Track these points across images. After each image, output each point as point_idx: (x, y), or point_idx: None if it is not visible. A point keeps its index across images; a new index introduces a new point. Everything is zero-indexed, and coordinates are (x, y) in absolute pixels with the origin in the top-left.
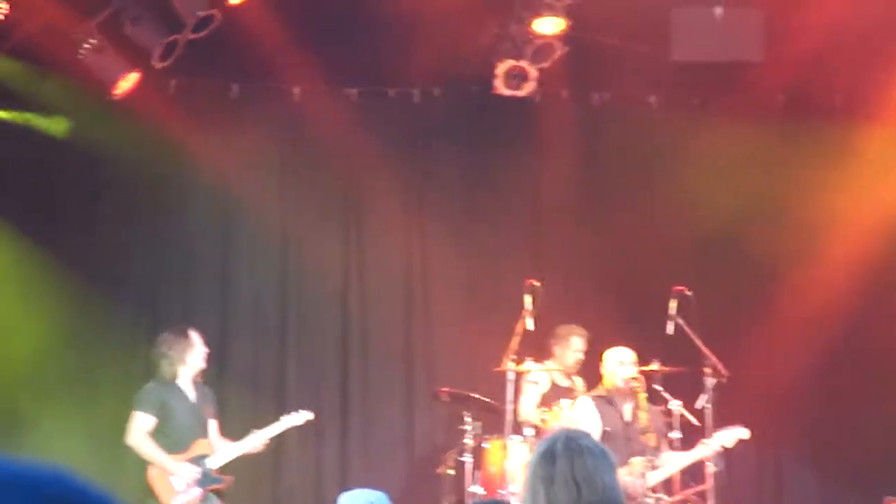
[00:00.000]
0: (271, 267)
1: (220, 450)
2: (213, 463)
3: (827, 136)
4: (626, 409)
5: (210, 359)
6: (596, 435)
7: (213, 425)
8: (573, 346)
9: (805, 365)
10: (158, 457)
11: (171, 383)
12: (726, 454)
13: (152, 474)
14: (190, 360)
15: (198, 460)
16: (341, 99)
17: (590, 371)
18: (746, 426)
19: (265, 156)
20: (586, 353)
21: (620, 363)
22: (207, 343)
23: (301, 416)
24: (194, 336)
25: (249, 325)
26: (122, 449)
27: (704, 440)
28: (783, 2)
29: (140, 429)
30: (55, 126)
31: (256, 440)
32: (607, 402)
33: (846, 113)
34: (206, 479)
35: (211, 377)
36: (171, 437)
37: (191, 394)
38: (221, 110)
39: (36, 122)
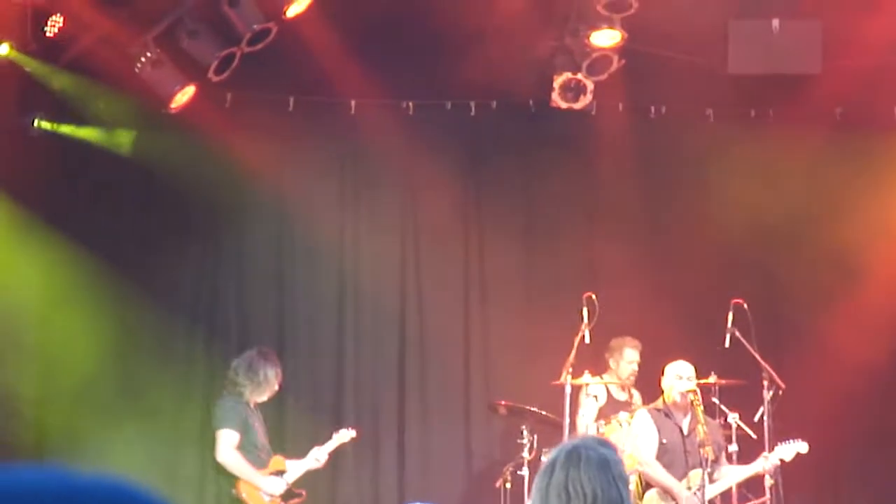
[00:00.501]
0: (328, 280)
1: (289, 466)
2: (289, 478)
3: (884, 149)
4: (685, 423)
5: None
6: (654, 447)
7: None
8: (627, 358)
9: (864, 377)
10: (249, 472)
11: (244, 402)
12: (784, 467)
13: (243, 489)
14: (267, 392)
15: (279, 475)
16: (398, 112)
17: (650, 384)
18: (804, 439)
19: (322, 169)
20: (646, 367)
21: (679, 377)
22: None
23: (348, 434)
24: (278, 373)
25: (306, 337)
26: (179, 462)
27: (764, 454)
28: (841, 15)
29: (229, 445)
30: (119, 140)
31: (319, 455)
32: (665, 415)
33: None
34: (287, 494)
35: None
36: (252, 454)
37: (258, 414)
38: (278, 123)
39: (98, 138)
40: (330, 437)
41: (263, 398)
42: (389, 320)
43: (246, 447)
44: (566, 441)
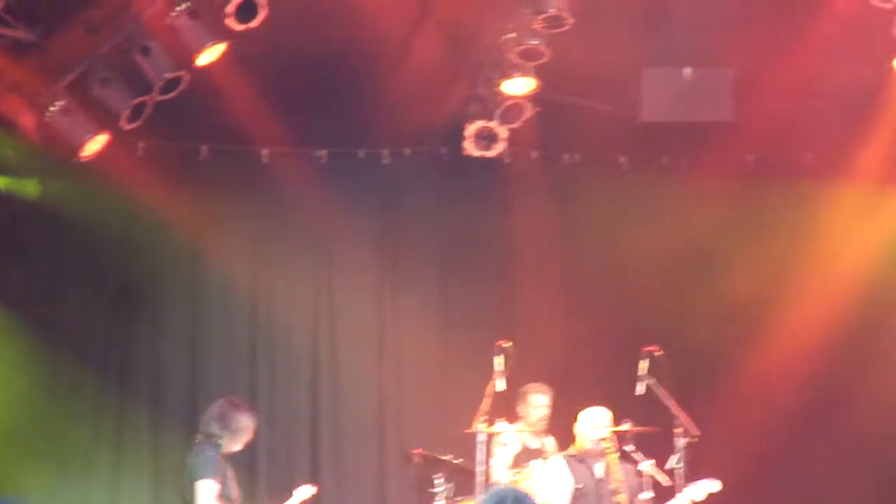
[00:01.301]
0: (241, 331)
1: None
2: None
3: (796, 195)
4: (599, 468)
5: (178, 424)
6: (568, 493)
7: None
8: (533, 403)
9: (777, 423)
10: None
11: (218, 452)
12: None
13: None
14: (243, 440)
15: None
16: (310, 160)
17: (567, 431)
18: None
19: (235, 217)
20: (562, 414)
21: (593, 426)
22: (175, 407)
23: (309, 490)
24: (252, 418)
25: (218, 390)
26: None
27: (678, 495)
28: (753, 62)
29: (211, 496)
30: (26, 188)
31: None
32: (579, 461)
33: (817, 172)
34: None
35: (180, 443)
36: None
37: (230, 464)
38: (190, 172)
39: (6, 185)
40: (290, 494)
41: (238, 447)
42: (303, 370)
43: (221, 499)
44: (504, 489)
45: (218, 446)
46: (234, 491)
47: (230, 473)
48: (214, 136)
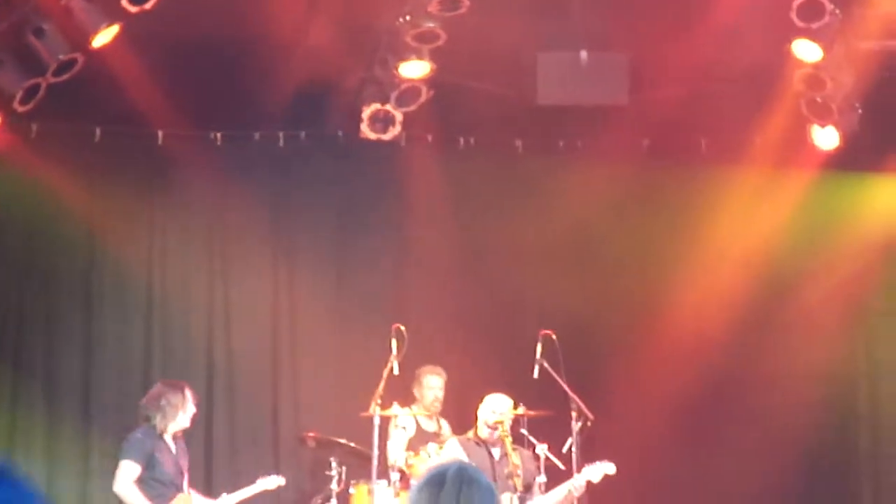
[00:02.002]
0: (136, 315)
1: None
2: None
3: (690, 180)
4: (496, 452)
5: (74, 409)
6: None
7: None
8: (427, 385)
9: (671, 408)
10: None
11: (156, 434)
12: (593, 498)
13: None
14: (181, 418)
15: None
16: (205, 142)
17: (462, 415)
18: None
19: (129, 200)
20: (456, 398)
21: (492, 411)
22: (69, 390)
23: (276, 480)
24: (189, 396)
25: (114, 374)
26: None
27: (576, 475)
28: (648, 47)
29: (127, 477)
30: None
31: (229, 500)
32: (476, 444)
33: (711, 156)
34: None
35: (73, 428)
36: (155, 490)
37: (173, 447)
38: (85, 154)
39: None
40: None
41: (181, 424)
42: (197, 352)
43: (147, 481)
44: (448, 462)
45: (152, 427)
46: (172, 470)
47: (167, 457)
48: (109, 119)
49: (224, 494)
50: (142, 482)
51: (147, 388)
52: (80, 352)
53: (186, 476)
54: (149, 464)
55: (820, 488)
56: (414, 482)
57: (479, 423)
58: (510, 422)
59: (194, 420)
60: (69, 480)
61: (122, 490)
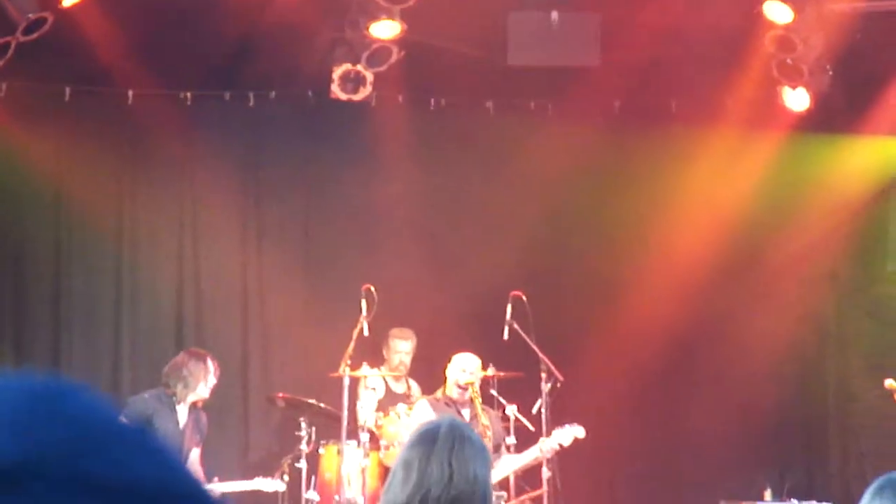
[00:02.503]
0: (106, 273)
1: None
2: None
3: (661, 141)
4: (466, 413)
5: (44, 366)
6: None
7: (194, 453)
8: (394, 348)
9: (640, 371)
10: None
11: (167, 401)
12: (561, 460)
13: None
14: (201, 389)
15: None
16: (175, 102)
17: (432, 375)
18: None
19: (100, 160)
20: (426, 358)
21: (462, 370)
22: (38, 349)
23: (273, 484)
24: (212, 366)
25: (84, 333)
26: None
27: (543, 439)
28: (619, 7)
29: None
30: None
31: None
32: (445, 405)
33: (682, 117)
34: None
35: None
36: None
37: (182, 418)
38: (55, 114)
39: None
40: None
41: (201, 394)
42: (166, 312)
43: None
44: (440, 417)
45: (167, 394)
46: (169, 439)
47: (184, 424)
48: (79, 78)
49: (216, 479)
50: None
51: (116, 346)
52: (49, 311)
53: (192, 448)
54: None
55: (788, 451)
56: (384, 442)
57: (449, 383)
58: (479, 382)
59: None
60: None
61: None
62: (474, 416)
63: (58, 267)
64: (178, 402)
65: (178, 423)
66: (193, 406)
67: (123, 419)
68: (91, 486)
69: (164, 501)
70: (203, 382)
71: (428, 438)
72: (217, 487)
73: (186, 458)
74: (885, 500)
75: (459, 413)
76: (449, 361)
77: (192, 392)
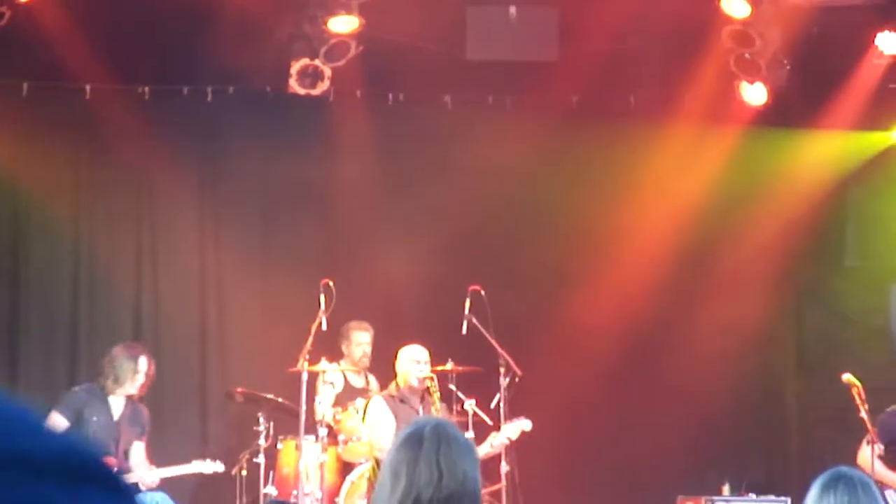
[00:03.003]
0: (63, 269)
1: (133, 472)
2: None
3: (620, 136)
4: (421, 408)
5: (1, 366)
6: (391, 434)
7: (137, 447)
8: (356, 341)
9: (599, 366)
10: None
11: (99, 393)
12: (520, 456)
13: None
14: (128, 385)
15: None
16: (134, 97)
17: (388, 370)
18: (540, 424)
19: (57, 155)
20: (385, 353)
21: (416, 362)
22: None
23: (211, 466)
24: (143, 363)
25: (41, 328)
26: None
27: (493, 433)
28: (577, 1)
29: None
30: None
31: (154, 475)
32: (400, 401)
33: (640, 112)
34: None
35: (4, 382)
36: None
37: (117, 410)
38: (11, 109)
39: None
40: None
41: (129, 390)
42: (124, 308)
43: None
44: (425, 418)
45: (98, 386)
46: (102, 431)
47: (118, 417)
48: (36, 73)
49: (153, 468)
50: None
51: (73, 343)
52: (6, 307)
53: (132, 441)
54: (77, 420)
55: (747, 446)
56: (342, 437)
57: (401, 377)
58: (437, 376)
59: (150, 384)
60: None
61: None
62: (429, 410)
63: (15, 263)
64: (109, 395)
65: (111, 415)
66: (130, 399)
67: (57, 412)
68: None
69: (53, 470)
70: (131, 380)
71: (413, 441)
72: (156, 473)
73: (126, 449)
74: (839, 494)
75: (414, 408)
76: (395, 356)
77: (120, 387)
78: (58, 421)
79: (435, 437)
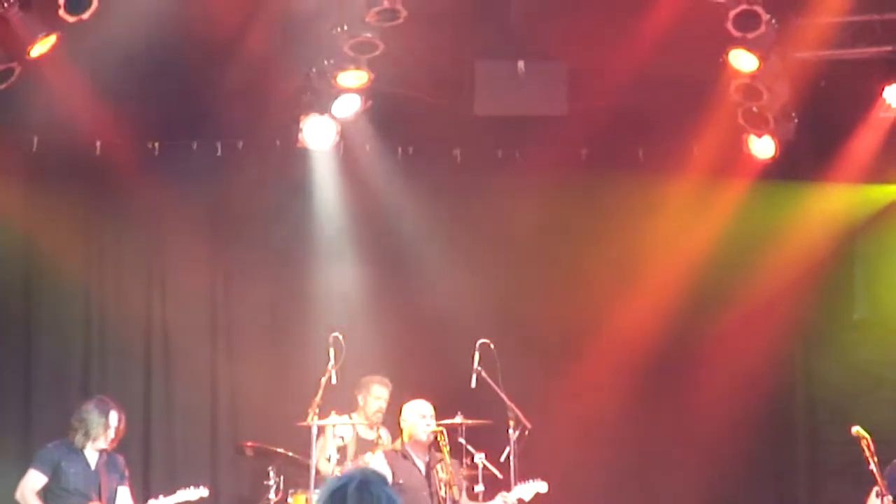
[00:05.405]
0: (74, 323)
1: None
2: None
3: (629, 189)
4: (421, 465)
5: (14, 416)
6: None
7: (122, 492)
8: (374, 394)
9: (609, 419)
10: None
11: (71, 447)
12: None
13: None
14: (101, 440)
15: None
16: (143, 152)
17: (399, 424)
18: (550, 478)
19: (68, 210)
20: (395, 407)
21: (422, 416)
22: (7, 401)
23: (198, 492)
24: (113, 419)
25: (53, 382)
26: None
27: (503, 493)
28: (585, 56)
29: (28, 486)
30: None
31: None
32: (403, 457)
33: (649, 165)
34: None
35: (18, 432)
36: (62, 499)
37: (93, 461)
38: (23, 163)
39: None
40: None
41: (97, 444)
42: (135, 362)
43: (54, 490)
44: (352, 471)
45: (72, 441)
46: (82, 483)
47: (96, 468)
48: (47, 128)
49: (150, 500)
50: (49, 492)
51: (84, 394)
52: (19, 361)
53: (115, 488)
54: (55, 474)
55: (758, 497)
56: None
57: (407, 432)
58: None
59: (121, 438)
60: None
61: (20, 497)
62: (431, 468)
63: (27, 315)
64: (82, 449)
65: (88, 465)
66: (103, 450)
67: (35, 469)
68: None
69: None
70: (104, 435)
71: (337, 500)
72: None
73: (110, 496)
74: None
75: (415, 464)
76: (400, 411)
77: (91, 441)
78: (35, 478)
79: (358, 496)
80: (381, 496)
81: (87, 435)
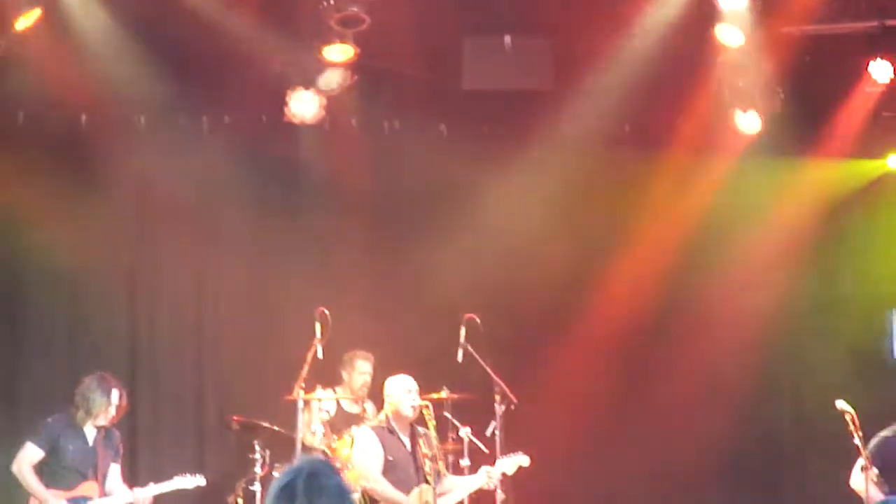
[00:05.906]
0: (60, 295)
1: (113, 495)
2: None
3: (617, 165)
4: (406, 441)
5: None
6: (379, 464)
7: (113, 470)
8: (358, 369)
9: (595, 394)
10: (36, 488)
11: (71, 423)
12: (516, 484)
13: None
14: (100, 417)
15: (79, 501)
16: (129, 125)
17: (375, 399)
18: (536, 452)
19: (52, 182)
20: (381, 381)
21: (408, 391)
22: None
23: (194, 480)
24: (115, 396)
25: (39, 355)
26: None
27: (486, 467)
28: (570, 32)
29: (25, 459)
30: None
31: (144, 493)
32: (389, 432)
33: (635, 141)
34: None
35: (2, 404)
36: (58, 474)
37: (91, 437)
38: (8, 138)
39: None
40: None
41: (98, 421)
42: (120, 335)
43: (51, 465)
44: (300, 462)
45: (69, 416)
46: (79, 459)
47: (94, 444)
48: (32, 102)
49: (136, 489)
50: (46, 466)
51: (72, 373)
52: (5, 334)
53: (109, 465)
54: (52, 449)
55: (744, 475)
56: (338, 465)
57: (392, 407)
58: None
59: (122, 415)
60: None
61: (16, 470)
62: (415, 444)
63: (12, 288)
64: (81, 426)
65: (87, 442)
66: (102, 429)
67: (32, 443)
68: None
69: None
70: (105, 413)
71: (287, 495)
72: (140, 493)
73: (105, 473)
74: None
75: (401, 440)
76: (382, 387)
77: (91, 419)
78: (33, 451)
79: (307, 491)
80: (330, 486)
81: (88, 413)
